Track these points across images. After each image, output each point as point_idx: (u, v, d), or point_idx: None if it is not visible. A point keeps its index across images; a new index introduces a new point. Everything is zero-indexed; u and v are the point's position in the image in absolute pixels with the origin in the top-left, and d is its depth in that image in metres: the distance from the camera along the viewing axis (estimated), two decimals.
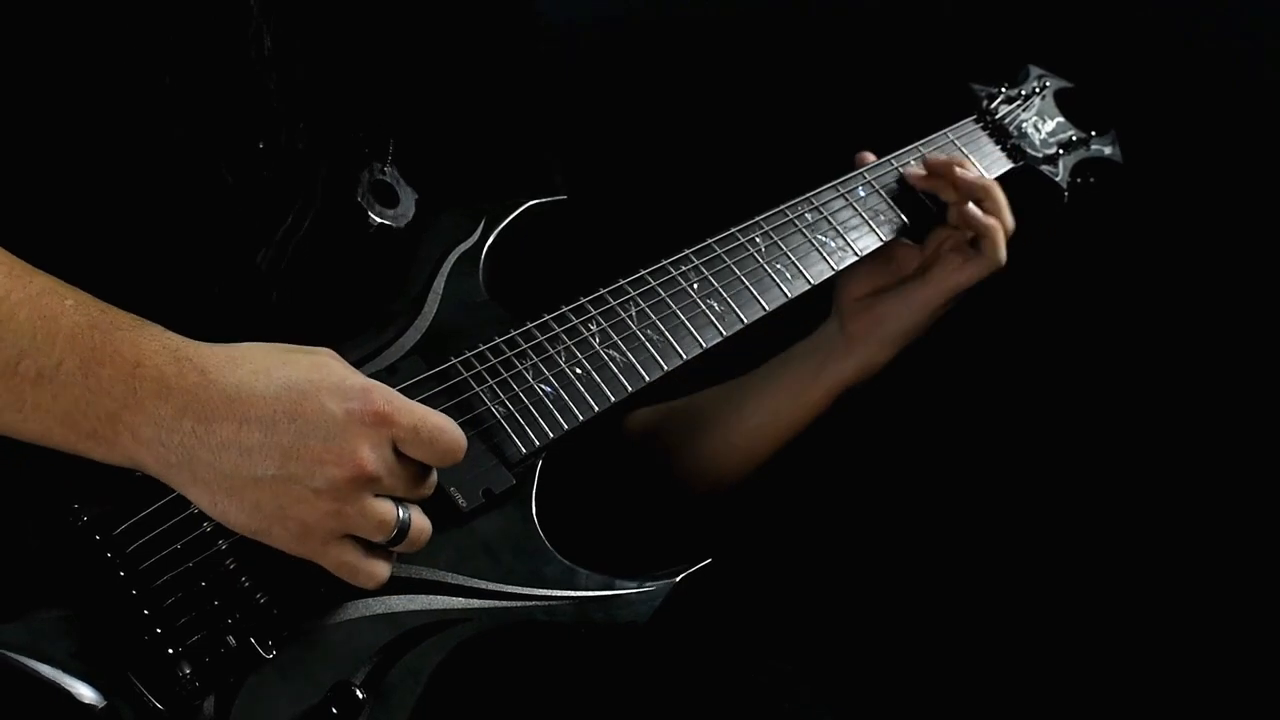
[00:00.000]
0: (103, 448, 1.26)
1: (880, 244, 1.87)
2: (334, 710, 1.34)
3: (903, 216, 1.90)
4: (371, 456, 1.27)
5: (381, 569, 1.33)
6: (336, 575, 1.32)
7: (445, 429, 1.33)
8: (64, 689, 1.28)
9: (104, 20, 1.43)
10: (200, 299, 1.45)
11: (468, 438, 1.49)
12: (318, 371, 1.30)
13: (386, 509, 1.30)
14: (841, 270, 1.82)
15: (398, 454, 1.31)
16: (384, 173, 1.65)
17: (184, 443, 1.25)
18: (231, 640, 1.34)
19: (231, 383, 1.26)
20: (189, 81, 1.48)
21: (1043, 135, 2.11)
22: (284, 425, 1.25)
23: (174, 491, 1.31)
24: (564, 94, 1.91)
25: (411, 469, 1.33)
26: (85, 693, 1.28)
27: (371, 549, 1.33)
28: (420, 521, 1.35)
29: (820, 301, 1.88)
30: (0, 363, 1.23)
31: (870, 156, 1.91)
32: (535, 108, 1.86)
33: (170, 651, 1.31)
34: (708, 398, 1.94)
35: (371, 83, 1.65)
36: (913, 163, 1.93)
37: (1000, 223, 1.84)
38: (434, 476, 1.37)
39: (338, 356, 1.35)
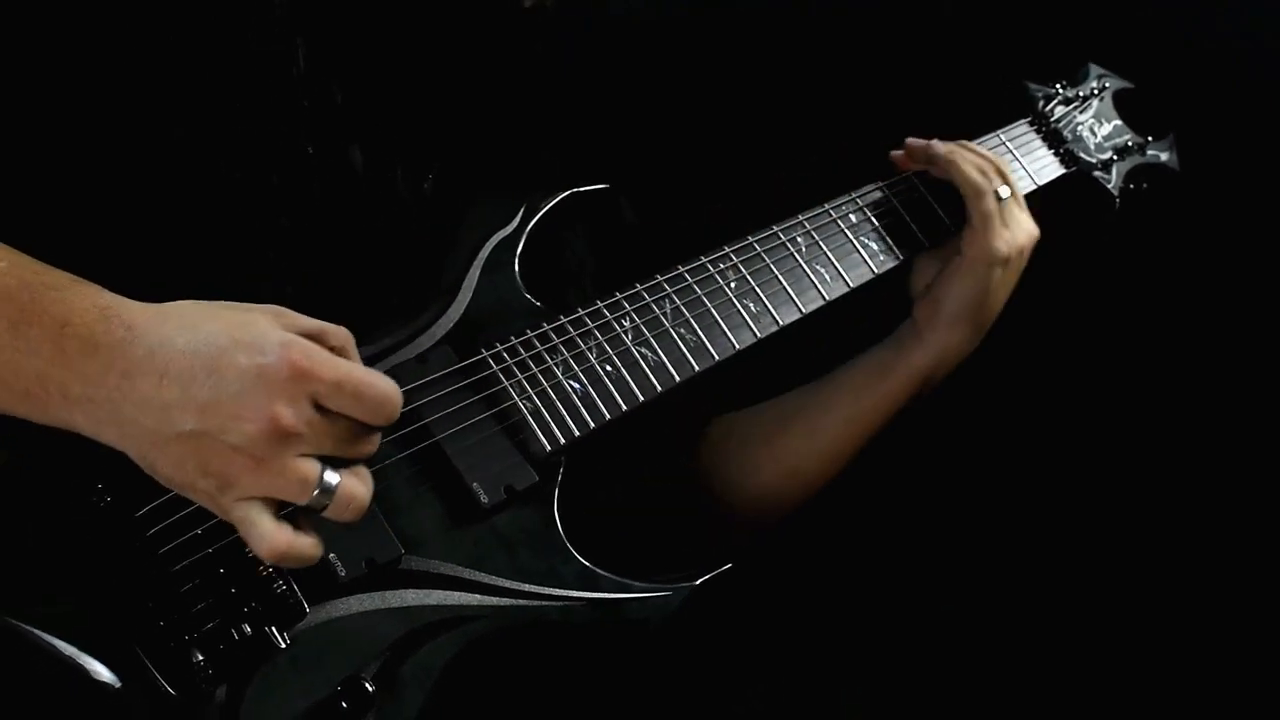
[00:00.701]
0: (36, 409, 1.27)
1: (926, 247, 1.84)
2: (344, 704, 1.35)
3: (945, 217, 1.87)
4: (287, 412, 1.22)
5: (281, 536, 1.25)
6: (264, 542, 1.25)
7: (372, 382, 1.27)
8: (81, 666, 1.30)
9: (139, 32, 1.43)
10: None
11: (494, 432, 1.51)
12: (242, 329, 1.26)
13: (307, 467, 1.24)
14: (883, 273, 1.80)
15: (324, 411, 1.25)
16: None
17: (110, 397, 1.24)
18: (247, 629, 1.35)
19: (155, 339, 1.24)
20: (234, 93, 1.47)
21: (1098, 139, 2.07)
22: (200, 380, 1.23)
23: None
24: (616, 87, 1.88)
25: (342, 426, 1.27)
26: (102, 672, 1.30)
27: (296, 517, 1.28)
28: (351, 485, 1.28)
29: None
30: None
31: (904, 154, 1.88)
32: (563, 102, 1.84)
33: (185, 637, 1.33)
34: (794, 397, 1.90)
35: (406, 86, 1.63)
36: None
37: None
38: (375, 436, 1.31)
39: (276, 311, 1.31)
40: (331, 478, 1.26)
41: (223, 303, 1.30)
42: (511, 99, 1.76)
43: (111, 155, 1.46)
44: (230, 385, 1.22)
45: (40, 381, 1.25)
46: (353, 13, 1.58)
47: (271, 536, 1.24)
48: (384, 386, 1.28)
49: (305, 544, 1.27)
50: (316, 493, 1.25)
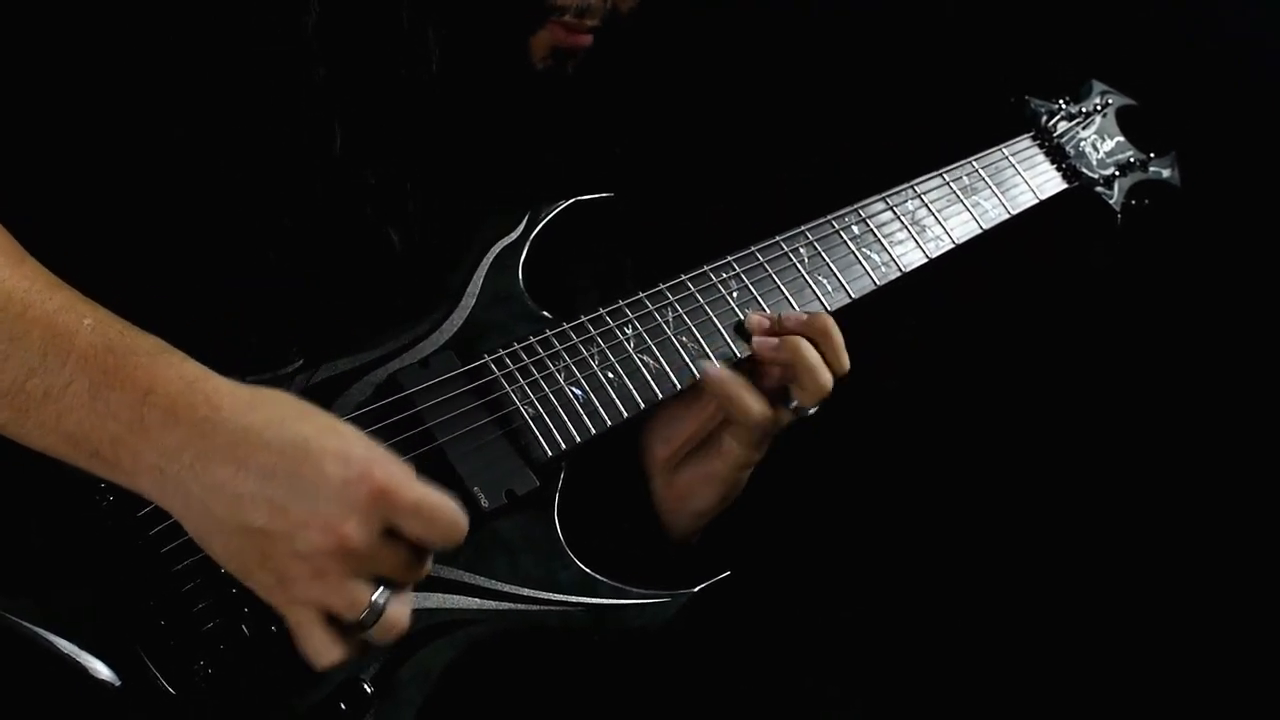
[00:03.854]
0: (102, 467, 1.26)
1: (926, 260, 1.85)
2: (342, 705, 1.36)
3: (945, 231, 1.87)
4: (358, 532, 1.21)
5: (333, 651, 1.25)
6: (304, 644, 1.27)
7: (445, 508, 1.26)
8: (82, 665, 1.31)
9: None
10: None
11: (496, 437, 1.52)
12: (330, 435, 1.26)
13: (360, 593, 1.24)
14: (884, 285, 1.80)
15: (390, 536, 1.24)
16: None
17: (181, 475, 1.23)
18: (245, 630, 1.35)
19: (241, 425, 1.24)
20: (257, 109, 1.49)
21: (1100, 155, 2.08)
22: (280, 480, 1.22)
23: None
24: (619, 92, 1.89)
25: (403, 552, 1.25)
26: (102, 671, 1.31)
27: (339, 624, 1.26)
28: (396, 615, 1.27)
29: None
30: (8, 380, 1.23)
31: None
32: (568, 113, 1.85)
33: (185, 637, 1.33)
34: None
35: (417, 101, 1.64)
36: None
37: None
38: (429, 563, 1.29)
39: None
40: (380, 600, 1.25)
41: (310, 404, 1.30)
42: (515, 110, 1.76)
43: (116, 154, 1.46)
44: (308, 491, 1.21)
45: (113, 445, 1.24)
46: (377, 34, 1.58)
47: (325, 652, 1.25)
48: (456, 512, 1.27)
49: (346, 658, 1.27)
50: (365, 613, 1.24)
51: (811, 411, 1.64)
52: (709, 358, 1.64)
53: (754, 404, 1.60)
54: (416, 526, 1.24)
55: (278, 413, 1.26)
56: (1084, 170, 2.04)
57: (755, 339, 1.64)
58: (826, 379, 1.62)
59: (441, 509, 1.25)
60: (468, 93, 1.67)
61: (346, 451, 1.24)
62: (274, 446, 1.22)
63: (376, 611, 1.24)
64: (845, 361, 1.65)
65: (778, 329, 1.65)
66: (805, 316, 1.65)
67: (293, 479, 1.21)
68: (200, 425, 1.23)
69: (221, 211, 1.51)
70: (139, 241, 1.47)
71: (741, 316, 1.68)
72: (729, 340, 1.66)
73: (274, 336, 1.49)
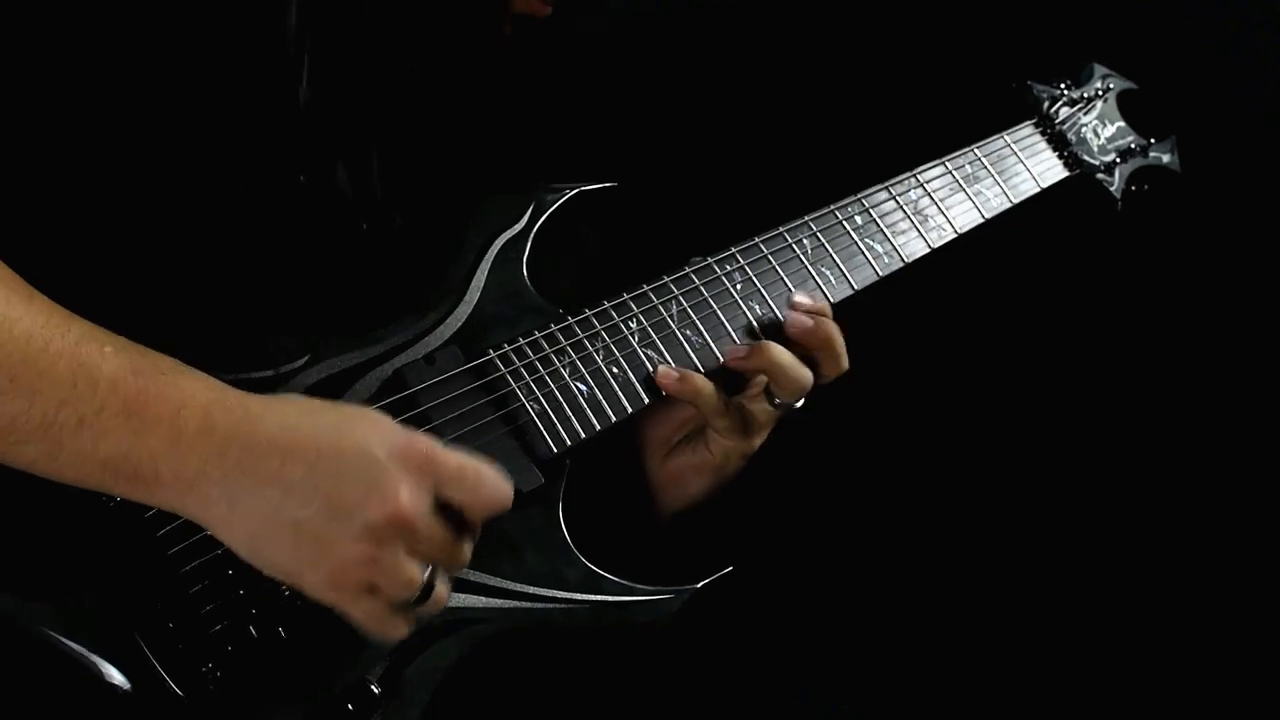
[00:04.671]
0: (144, 489, 1.26)
1: (928, 250, 1.84)
2: (350, 706, 1.36)
3: (949, 221, 1.87)
4: (412, 500, 1.25)
5: (399, 628, 1.31)
6: (362, 627, 1.30)
7: (489, 473, 1.31)
8: (89, 667, 1.31)
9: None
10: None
11: (501, 434, 1.52)
12: (363, 417, 1.31)
13: (413, 571, 1.27)
14: (887, 275, 1.80)
15: (438, 509, 1.28)
16: None
17: (227, 476, 1.24)
18: (253, 631, 1.36)
19: (276, 421, 1.26)
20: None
21: (1101, 141, 2.07)
22: (327, 463, 1.24)
23: None
24: (621, 84, 1.87)
25: (448, 529, 1.30)
26: (110, 673, 1.31)
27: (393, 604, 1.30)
28: (443, 590, 1.32)
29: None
30: (39, 414, 1.23)
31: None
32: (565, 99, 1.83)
33: (193, 639, 1.34)
34: None
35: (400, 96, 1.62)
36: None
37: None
38: (470, 545, 1.33)
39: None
40: (431, 580, 1.29)
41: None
42: (507, 101, 1.75)
43: (97, 155, 1.44)
44: (357, 468, 1.25)
45: (153, 461, 1.24)
46: (360, 31, 1.56)
47: (393, 631, 1.30)
48: (499, 477, 1.32)
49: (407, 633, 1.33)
50: (417, 593, 1.28)
51: (799, 405, 1.65)
52: (713, 353, 1.64)
53: (713, 401, 1.61)
54: (462, 493, 1.29)
55: (307, 406, 1.31)
56: (1085, 157, 2.03)
57: (730, 354, 1.64)
58: (801, 377, 1.62)
59: (486, 473, 1.31)
60: (443, 66, 1.66)
61: (385, 428, 1.29)
62: (315, 433, 1.26)
63: (428, 589, 1.29)
64: (844, 364, 1.66)
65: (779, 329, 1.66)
66: (810, 324, 1.65)
67: (339, 459, 1.25)
68: (238, 426, 1.26)
69: (183, 195, 1.50)
70: (112, 238, 1.46)
71: (745, 309, 1.68)
72: (733, 336, 1.66)
73: (258, 329, 1.48)
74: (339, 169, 1.55)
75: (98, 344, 1.27)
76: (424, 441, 1.29)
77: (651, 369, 1.60)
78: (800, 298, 1.68)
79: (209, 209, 1.49)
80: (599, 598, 1.50)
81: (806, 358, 1.64)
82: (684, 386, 1.60)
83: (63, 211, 1.44)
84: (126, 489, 1.27)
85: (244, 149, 1.48)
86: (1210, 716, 2.20)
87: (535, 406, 1.53)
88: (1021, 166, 1.96)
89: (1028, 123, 2.02)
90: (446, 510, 1.29)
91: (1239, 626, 2.20)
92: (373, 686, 1.37)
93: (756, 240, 1.73)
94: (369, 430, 1.28)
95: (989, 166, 1.93)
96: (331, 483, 1.24)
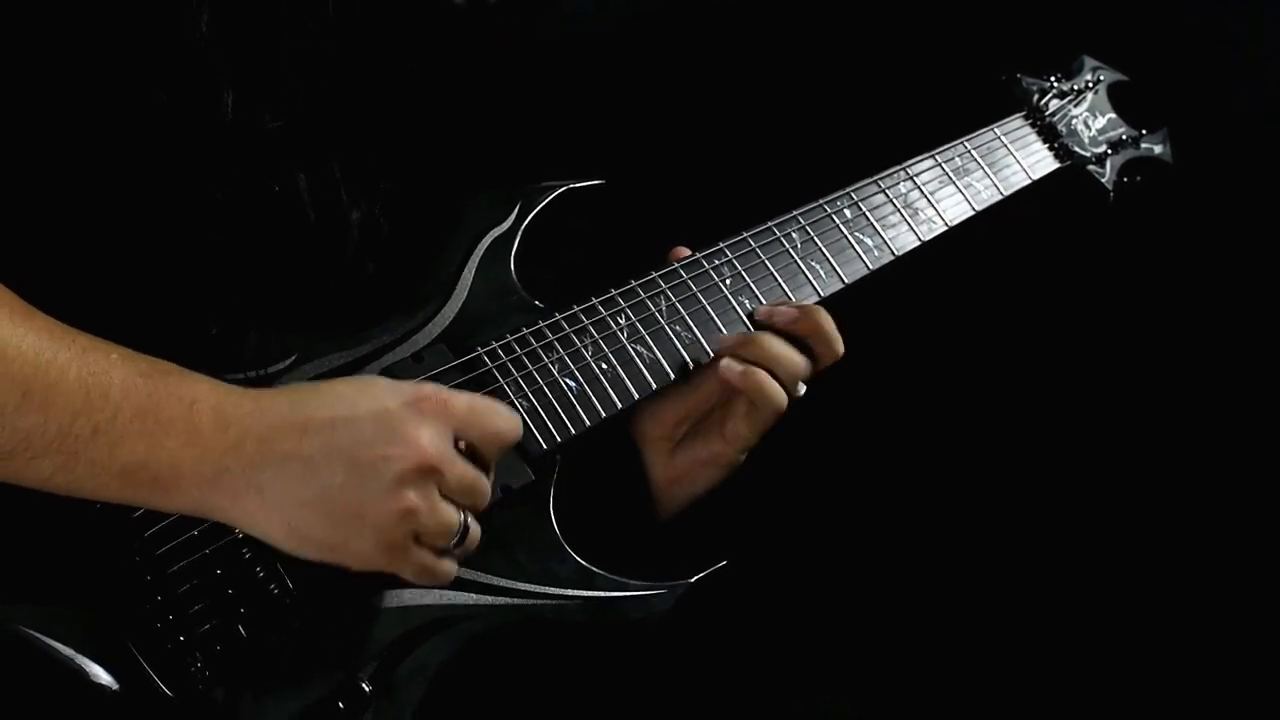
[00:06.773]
0: (164, 495, 1.27)
1: (919, 243, 1.84)
2: (340, 705, 1.36)
3: (939, 214, 1.86)
4: (434, 441, 1.30)
5: (451, 569, 1.37)
6: (415, 581, 1.36)
7: (499, 408, 1.39)
8: (79, 670, 1.30)
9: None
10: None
11: None
12: (366, 380, 1.36)
13: (450, 514, 1.33)
14: (877, 269, 1.79)
15: (456, 449, 1.34)
16: None
17: (250, 464, 1.26)
18: (242, 631, 1.35)
19: (285, 403, 1.30)
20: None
21: (1092, 133, 2.07)
22: (342, 427, 1.28)
23: None
24: (605, 80, 1.87)
25: (468, 469, 1.35)
26: (99, 673, 1.30)
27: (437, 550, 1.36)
28: (475, 527, 1.37)
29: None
30: (54, 427, 1.23)
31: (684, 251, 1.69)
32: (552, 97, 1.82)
33: (182, 639, 1.33)
34: None
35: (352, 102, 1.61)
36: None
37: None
38: (487, 483, 1.38)
39: None
40: (465, 519, 1.36)
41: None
42: (495, 99, 1.74)
43: (72, 166, 1.43)
44: (373, 425, 1.29)
45: (173, 462, 1.26)
46: (282, 40, 1.54)
47: (447, 573, 1.37)
48: (507, 410, 1.41)
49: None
50: (456, 535, 1.34)
51: (800, 392, 1.65)
52: (703, 347, 1.63)
53: (777, 390, 1.62)
54: (478, 428, 1.36)
55: (310, 386, 1.37)
56: (1076, 149, 2.03)
57: (722, 345, 1.64)
58: (796, 364, 1.63)
59: (495, 407, 1.39)
60: (425, 65, 1.66)
61: (390, 384, 1.35)
62: (325, 404, 1.30)
63: (465, 530, 1.35)
64: (839, 348, 1.66)
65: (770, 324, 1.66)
66: (795, 314, 1.65)
67: (354, 422, 1.29)
68: (250, 417, 1.28)
69: (160, 204, 1.48)
70: (92, 249, 1.45)
71: (735, 304, 1.68)
72: (723, 331, 1.65)
73: (243, 333, 1.47)
74: (301, 179, 1.54)
75: (103, 353, 1.28)
76: (432, 387, 1.35)
77: (641, 364, 1.60)
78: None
79: (187, 217, 1.48)
80: (591, 594, 1.49)
81: (801, 346, 1.64)
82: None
83: (41, 225, 1.43)
84: (146, 497, 1.28)
85: (216, 157, 1.48)
86: (1210, 716, 2.18)
87: (524, 403, 1.53)
88: (1012, 159, 1.96)
89: (1017, 115, 2.02)
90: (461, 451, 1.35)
91: (1239, 626, 2.19)
92: (364, 685, 1.37)
93: (745, 235, 1.73)
94: (376, 390, 1.33)
95: (979, 159, 1.93)
96: (353, 444, 1.27)
